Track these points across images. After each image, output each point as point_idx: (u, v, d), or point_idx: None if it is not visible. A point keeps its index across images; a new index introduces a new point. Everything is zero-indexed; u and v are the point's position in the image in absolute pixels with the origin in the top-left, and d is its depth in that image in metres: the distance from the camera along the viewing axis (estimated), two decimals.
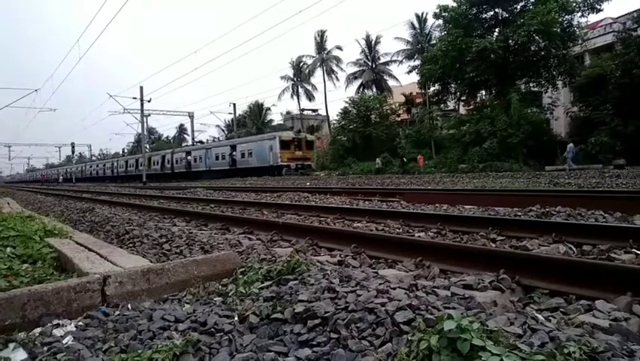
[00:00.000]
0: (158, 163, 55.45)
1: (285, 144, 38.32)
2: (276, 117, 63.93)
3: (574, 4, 27.10)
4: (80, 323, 2.29)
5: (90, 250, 3.94)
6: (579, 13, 27.79)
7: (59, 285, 2.51)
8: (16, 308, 2.27)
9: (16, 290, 2.44)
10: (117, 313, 2.42)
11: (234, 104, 51.57)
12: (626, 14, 29.31)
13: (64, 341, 2.04)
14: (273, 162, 37.81)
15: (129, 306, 2.51)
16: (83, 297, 2.50)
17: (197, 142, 57.16)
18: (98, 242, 4.69)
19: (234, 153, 42.60)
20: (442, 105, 38.82)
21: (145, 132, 48.40)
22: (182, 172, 49.33)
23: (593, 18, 29.61)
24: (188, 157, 49.54)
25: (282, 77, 55.46)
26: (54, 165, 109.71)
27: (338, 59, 52.20)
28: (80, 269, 3.19)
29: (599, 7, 26.89)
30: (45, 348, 1.98)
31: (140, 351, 1.90)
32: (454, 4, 30.90)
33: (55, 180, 72.84)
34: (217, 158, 45.07)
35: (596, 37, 32.40)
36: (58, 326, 2.24)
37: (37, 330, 2.20)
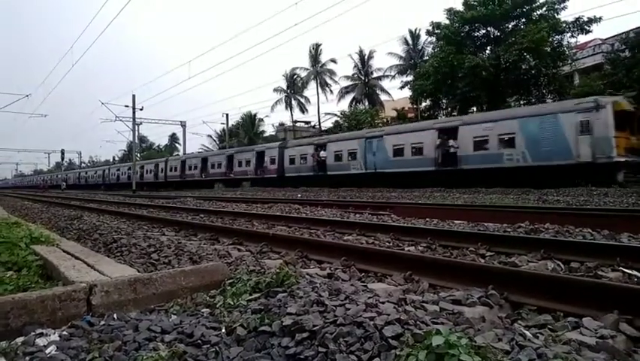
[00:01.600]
0: (247, 163, 36.95)
1: (622, 120, 18.10)
2: (268, 128, 64.07)
3: (564, 25, 27.70)
4: (64, 333, 2.25)
5: (77, 258, 3.88)
6: (569, 34, 28.43)
7: (44, 293, 2.46)
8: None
9: None
10: (102, 323, 2.38)
11: (227, 115, 51.69)
12: (615, 36, 30.04)
13: (47, 351, 2.00)
14: (597, 156, 17.73)
15: (115, 316, 2.47)
16: (68, 306, 2.46)
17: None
18: (85, 250, 4.63)
19: (451, 143, 22.73)
20: None
21: (136, 140, 48.10)
22: (307, 176, 30.74)
23: (582, 39, 30.33)
24: (321, 153, 30.32)
25: (275, 90, 55.67)
26: (42, 171, 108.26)
27: (332, 72, 52.63)
28: (66, 278, 3.15)
29: (588, 28, 27.50)
30: (27, 358, 1.94)
31: None
32: (447, 22, 31.44)
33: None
34: (398, 152, 25.12)
35: (585, 57, 33.15)
36: (41, 335, 2.20)
37: (20, 339, 2.16)
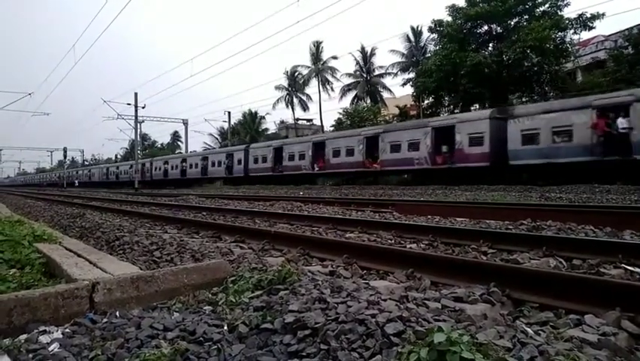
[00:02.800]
0: (412, 147, 24.71)
1: None
2: (270, 126, 64.01)
3: (567, 22, 27.57)
4: (67, 330, 2.26)
5: (79, 256, 3.90)
6: (572, 30, 28.29)
7: (47, 291, 2.47)
8: (3, 314, 2.23)
9: (2, 296, 2.40)
10: (105, 320, 2.39)
11: (229, 113, 51.62)
12: (618, 32, 29.87)
13: (50, 348, 2.01)
14: None
15: (117, 313, 2.48)
16: (70, 303, 2.47)
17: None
18: (88, 248, 4.65)
19: None
20: None
21: (138, 138, 48.06)
22: (568, 164, 18.16)
23: (585, 35, 30.18)
24: (619, 120, 17.14)
25: (276, 87, 55.58)
26: (45, 169, 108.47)
27: (333, 70, 52.52)
28: (69, 275, 3.16)
29: (591, 24, 27.36)
30: (30, 355, 1.95)
31: (126, 360, 1.88)
32: (450, 19, 31.34)
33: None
34: None
35: (588, 54, 32.96)
36: (44, 332, 2.21)
37: (23, 337, 2.17)
